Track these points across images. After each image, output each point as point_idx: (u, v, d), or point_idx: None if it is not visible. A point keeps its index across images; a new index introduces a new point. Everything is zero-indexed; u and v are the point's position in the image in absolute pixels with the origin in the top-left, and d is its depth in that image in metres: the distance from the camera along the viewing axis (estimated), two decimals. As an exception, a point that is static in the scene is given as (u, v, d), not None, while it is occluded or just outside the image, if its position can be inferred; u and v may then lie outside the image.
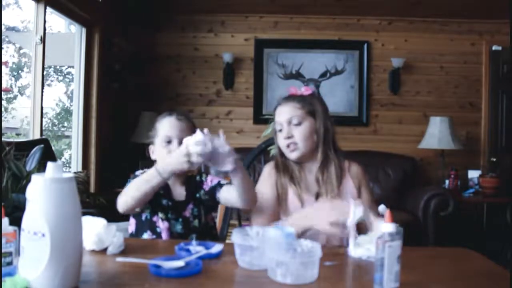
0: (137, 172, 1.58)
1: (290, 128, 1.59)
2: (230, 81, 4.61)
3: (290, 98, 1.64)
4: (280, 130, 1.62)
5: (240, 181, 1.41)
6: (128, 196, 1.41)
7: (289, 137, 1.58)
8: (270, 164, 1.69)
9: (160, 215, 1.55)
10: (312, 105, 1.62)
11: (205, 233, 1.59)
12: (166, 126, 1.59)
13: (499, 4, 3.80)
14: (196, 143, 1.32)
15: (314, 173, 1.63)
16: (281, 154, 1.66)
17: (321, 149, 1.61)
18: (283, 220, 1.53)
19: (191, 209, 1.59)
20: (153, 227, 1.55)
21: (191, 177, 1.65)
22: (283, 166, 1.64)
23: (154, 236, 1.54)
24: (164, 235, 1.54)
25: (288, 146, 1.59)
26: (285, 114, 1.61)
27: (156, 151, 1.60)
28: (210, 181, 1.62)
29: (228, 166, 1.35)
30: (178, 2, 4.49)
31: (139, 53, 4.56)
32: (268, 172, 1.66)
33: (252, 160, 1.98)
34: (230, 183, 1.57)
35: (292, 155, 1.60)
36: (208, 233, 1.62)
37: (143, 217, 1.57)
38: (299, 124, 1.59)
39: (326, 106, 1.67)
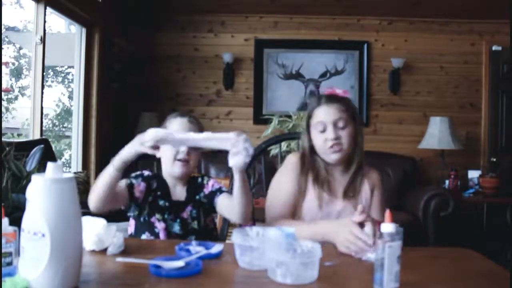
0: (132, 174, 1.57)
1: (336, 130, 1.55)
2: (230, 81, 4.61)
3: (334, 99, 1.59)
4: (323, 131, 1.56)
5: (240, 187, 1.37)
6: (92, 197, 1.37)
7: (336, 138, 1.54)
8: (295, 155, 1.64)
9: (157, 215, 1.54)
10: (353, 109, 1.61)
11: (205, 235, 1.59)
12: (177, 127, 1.57)
13: (499, 4, 3.81)
14: (156, 131, 1.28)
15: (344, 177, 1.60)
16: (311, 152, 1.61)
17: (358, 154, 1.59)
18: (303, 222, 1.53)
19: (189, 210, 1.58)
20: (151, 228, 1.54)
21: (193, 179, 1.63)
22: (310, 164, 1.59)
23: (152, 237, 1.54)
24: (162, 236, 1.53)
25: (332, 146, 1.54)
26: (331, 115, 1.55)
27: (163, 149, 1.56)
28: (211, 185, 1.62)
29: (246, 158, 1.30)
30: (178, 2, 4.50)
31: (139, 53, 4.56)
32: (292, 164, 1.61)
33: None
34: (230, 191, 1.56)
35: (334, 156, 1.55)
36: (208, 235, 1.61)
37: (142, 219, 1.56)
38: (345, 127, 1.55)
39: None
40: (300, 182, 1.58)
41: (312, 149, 1.61)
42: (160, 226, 1.54)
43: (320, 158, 1.60)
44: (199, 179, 1.64)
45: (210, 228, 1.65)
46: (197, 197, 1.60)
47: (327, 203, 1.56)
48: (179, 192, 1.60)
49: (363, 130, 1.63)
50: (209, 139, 1.31)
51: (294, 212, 1.58)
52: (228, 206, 1.49)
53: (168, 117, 1.64)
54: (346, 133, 1.55)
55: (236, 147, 1.28)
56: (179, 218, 1.56)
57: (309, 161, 1.60)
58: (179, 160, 1.54)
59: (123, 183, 1.50)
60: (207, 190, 1.61)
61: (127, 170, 1.48)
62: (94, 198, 1.35)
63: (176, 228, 1.54)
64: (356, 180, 1.60)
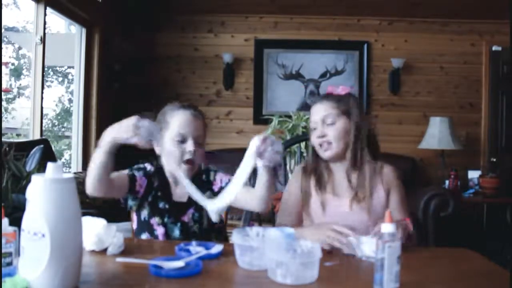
0: (135, 166, 1.50)
1: (323, 127, 1.55)
2: (230, 81, 4.61)
3: (326, 97, 1.61)
4: (315, 129, 1.58)
5: (269, 181, 1.29)
6: (88, 180, 1.29)
7: (322, 136, 1.55)
8: (300, 165, 1.68)
9: (156, 219, 1.47)
10: (347, 104, 1.58)
11: (207, 239, 1.49)
12: (180, 121, 1.45)
13: (499, 4, 3.80)
14: (149, 122, 1.21)
15: (350, 175, 1.58)
16: (315, 153, 1.62)
17: (351, 149, 1.56)
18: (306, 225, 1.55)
19: (191, 213, 1.49)
20: (150, 230, 1.49)
21: (196, 177, 1.50)
22: (312, 168, 1.61)
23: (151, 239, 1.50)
24: (161, 240, 1.48)
25: (321, 145, 1.56)
26: (319, 113, 1.57)
27: (165, 145, 1.45)
28: (220, 180, 1.53)
29: (272, 163, 1.23)
30: (178, 2, 4.50)
31: (139, 53, 4.55)
32: (295, 173, 1.65)
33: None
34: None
35: (326, 154, 1.56)
36: (215, 234, 1.53)
37: (142, 217, 1.50)
38: (332, 123, 1.55)
39: (362, 106, 1.65)
40: (303, 189, 1.59)
41: (314, 149, 1.62)
42: (159, 231, 1.47)
43: (321, 160, 1.61)
44: (204, 176, 1.54)
45: (218, 227, 1.56)
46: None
47: (330, 205, 1.55)
48: (180, 193, 1.50)
49: (364, 124, 1.57)
50: (242, 174, 1.20)
51: (301, 218, 1.61)
52: (244, 196, 1.35)
53: (168, 108, 1.51)
54: (334, 129, 1.54)
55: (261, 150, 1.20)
56: (180, 221, 1.48)
57: (312, 165, 1.62)
58: (186, 161, 1.44)
59: (125, 172, 1.44)
60: (216, 187, 1.52)
61: (130, 162, 1.43)
62: (89, 182, 1.28)
63: (176, 232, 1.47)
64: (363, 177, 1.55)
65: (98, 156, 1.26)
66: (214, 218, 1.22)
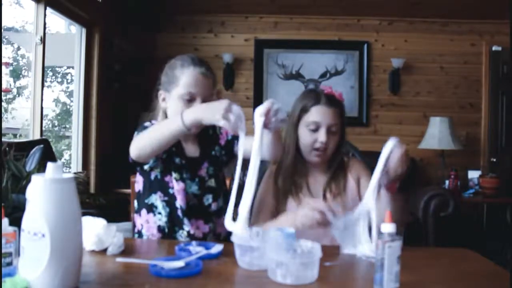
0: (146, 124, 1.46)
1: (328, 134, 1.53)
2: (230, 81, 4.61)
3: (333, 101, 1.57)
4: (314, 130, 1.54)
5: (274, 136, 1.32)
6: (142, 143, 1.27)
7: (326, 143, 1.53)
8: (267, 172, 1.64)
9: (174, 175, 1.43)
10: (344, 115, 1.60)
11: (220, 192, 1.50)
12: (190, 80, 1.41)
13: (499, 4, 3.81)
14: (238, 108, 1.24)
15: (325, 177, 1.60)
16: (295, 153, 1.58)
17: (336, 159, 1.60)
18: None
19: (206, 167, 1.48)
20: (164, 188, 1.44)
21: (203, 133, 1.49)
22: (284, 172, 1.58)
23: (166, 198, 1.44)
24: (180, 198, 1.43)
25: (316, 149, 1.54)
26: (328, 118, 1.54)
27: (171, 102, 1.44)
28: (225, 133, 1.52)
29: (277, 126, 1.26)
30: (178, 3, 4.49)
31: (139, 53, 4.55)
32: (265, 181, 1.61)
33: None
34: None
35: (315, 159, 1.56)
36: (221, 190, 1.52)
37: (152, 176, 1.45)
38: (335, 133, 1.56)
39: None
40: (276, 195, 1.57)
41: (295, 145, 1.58)
42: (178, 186, 1.42)
43: (300, 158, 1.59)
44: (210, 131, 1.53)
45: (224, 187, 1.55)
46: (213, 152, 1.50)
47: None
48: (192, 148, 1.49)
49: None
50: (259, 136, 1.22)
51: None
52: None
53: (178, 62, 1.47)
54: (335, 140, 1.56)
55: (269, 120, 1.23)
56: (197, 176, 1.46)
57: (289, 168, 1.58)
58: None
59: None
60: (223, 140, 1.52)
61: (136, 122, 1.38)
62: (140, 150, 1.27)
63: (194, 188, 1.45)
64: (338, 177, 1.59)
65: (171, 130, 1.24)
66: (243, 231, 1.13)
